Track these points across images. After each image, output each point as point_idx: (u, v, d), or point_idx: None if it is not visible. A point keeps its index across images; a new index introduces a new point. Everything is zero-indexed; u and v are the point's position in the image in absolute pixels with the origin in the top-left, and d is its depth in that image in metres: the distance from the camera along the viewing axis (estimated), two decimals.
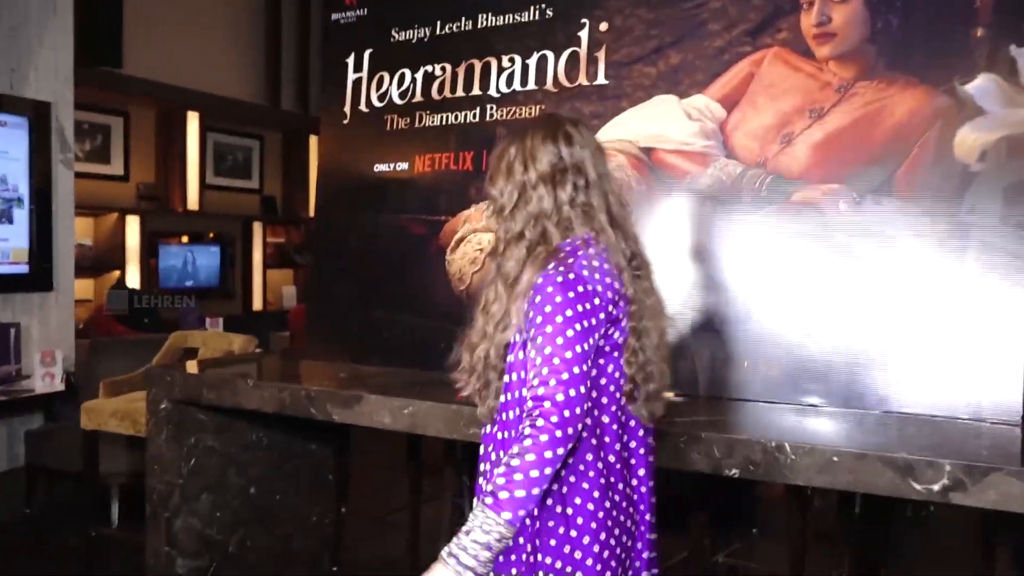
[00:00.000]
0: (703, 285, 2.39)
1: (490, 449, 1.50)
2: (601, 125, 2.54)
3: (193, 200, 7.47)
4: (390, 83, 2.95)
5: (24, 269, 4.65)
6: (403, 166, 2.90)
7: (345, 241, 2.99)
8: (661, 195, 2.44)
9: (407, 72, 2.92)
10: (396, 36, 2.97)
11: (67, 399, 4.28)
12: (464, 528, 1.30)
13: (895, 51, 2.21)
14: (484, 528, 1.28)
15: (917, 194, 2.16)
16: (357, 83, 3.03)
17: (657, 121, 2.45)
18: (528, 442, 1.29)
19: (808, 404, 2.24)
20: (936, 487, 1.67)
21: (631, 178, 2.47)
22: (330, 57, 3.16)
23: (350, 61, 3.05)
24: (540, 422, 1.29)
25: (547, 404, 1.30)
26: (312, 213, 8.68)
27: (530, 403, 1.33)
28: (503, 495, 1.28)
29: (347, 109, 3.04)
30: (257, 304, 8.22)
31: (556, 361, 1.32)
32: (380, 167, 2.95)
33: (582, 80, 2.59)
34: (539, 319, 1.36)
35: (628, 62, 2.52)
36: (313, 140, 8.75)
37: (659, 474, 1.59)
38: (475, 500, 1.44)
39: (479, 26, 2.80)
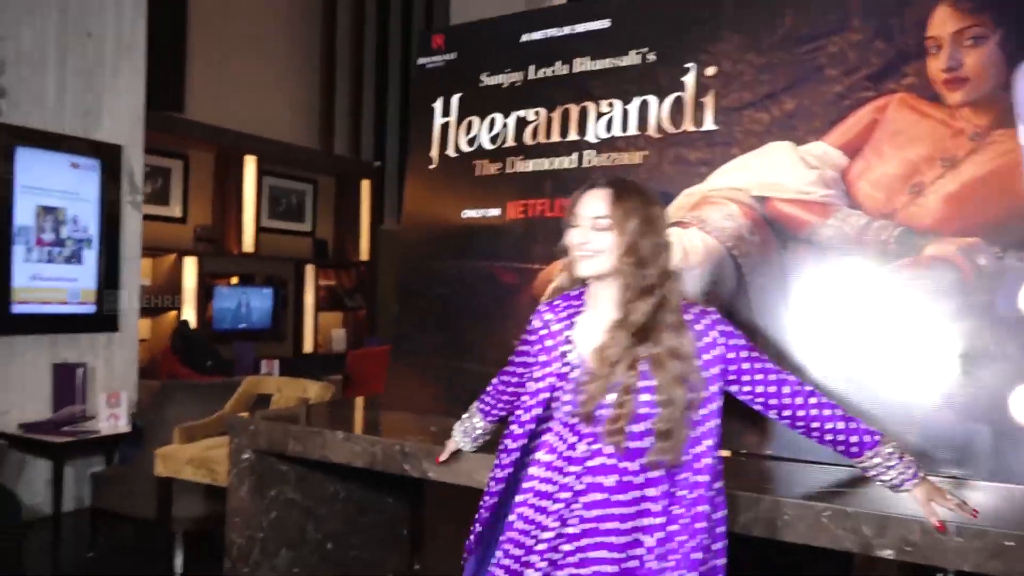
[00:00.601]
0: (824, 344, 2.24)
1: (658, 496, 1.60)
2: (709, 172, 2.43)
3: (248, 242, 7.50)
4: (480, 128, 2.89)
5: (92, 309, 4.63)
6: (494, 212, 2.81)
7: (431, 288, 2.90)
8: (777, 247, 2.31)
9: (498, 117, 2.85)
10: (486, 80, 2.91)
11: (132, 442, 4.22)
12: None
13: None
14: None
15: None
16: (445, 128, 2.97)
17: (772, 169, 2.34)
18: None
19: (948, 476, 2.07)
20: None
21: (744, 227, 2.35)
22: (416, 102, 3.10)
23: (437, 106, 3.00)
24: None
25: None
26: (364, 256, 8.77)
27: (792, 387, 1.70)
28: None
29: (434, 154, 2.98)
30: (308, 346, 8.19)
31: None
32: (469, 213, 2.86)
33: (687, 126, 2.49)
34: (758, 364, 1.69)
35: (738, 107, 2.42)
36: (365, 184, 8.80)
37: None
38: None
39: (575, 71, 2.72)
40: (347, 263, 8.73)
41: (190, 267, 6.93)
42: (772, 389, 1.68)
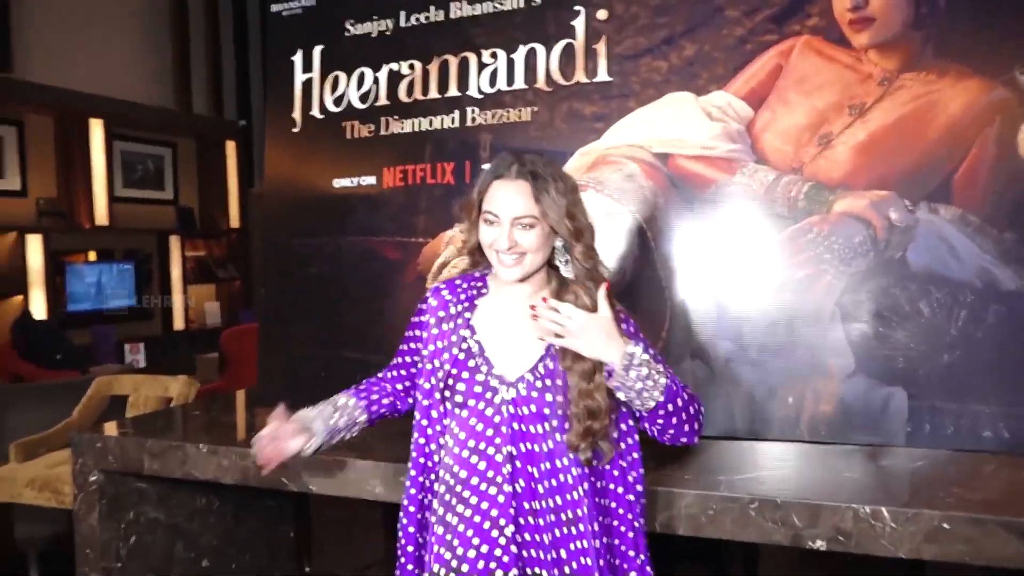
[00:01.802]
0: (735, 310, 2.09)
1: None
2: (606, 128, 2.21)
3: (102, 215, 6.81)
4: (348, 84, 2.54)
5: None
6: (369, 180, 2.50)
7: (302, 268, 2.57)
8: (682, 208, 2.12)
9: (368, 71, 2.52)
10: (352, 29, 2.56)
11: None
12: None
13: (944, 38, 1.95)
14: (657, 371, 1.40)
15: (978, 200, 1.91)
16: (307, 85, 2.61)
17: (673, 123, 2.14)
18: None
19: (863, 444, 1.97)
20: None
21: (646, 188, 2.14)
22: (273, 55, 2.72)
23: (297, 59, 2.63)
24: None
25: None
26: (235, 223, 8.18)
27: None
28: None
29: (297, 115, 2.62)
30: (178, 323, 7.60)
31: None
32: (341, 181, 2.54)
33: (580, 77, 2.25)
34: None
35: (634, 55, 2.19)
36: (231, 146, 8.17)
37: None
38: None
39: (452, 16, 2.42)
40: (216, 231, 8.12)
41: (35, 245, 6.21)
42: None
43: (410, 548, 1.56)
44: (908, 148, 1.97)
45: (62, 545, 3.21)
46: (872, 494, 1.65)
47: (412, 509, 1.56)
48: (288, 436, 1.58)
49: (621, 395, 1.41)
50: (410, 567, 1.56)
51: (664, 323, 2.11)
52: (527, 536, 1.46)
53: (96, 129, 6.78)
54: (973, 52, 1.93)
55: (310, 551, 3.08)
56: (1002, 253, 1.89)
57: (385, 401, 1.64)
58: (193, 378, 3.13)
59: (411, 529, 1.56)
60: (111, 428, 2.40)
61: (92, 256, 6.82)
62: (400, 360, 1.64)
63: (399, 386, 1.64)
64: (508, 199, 1.43)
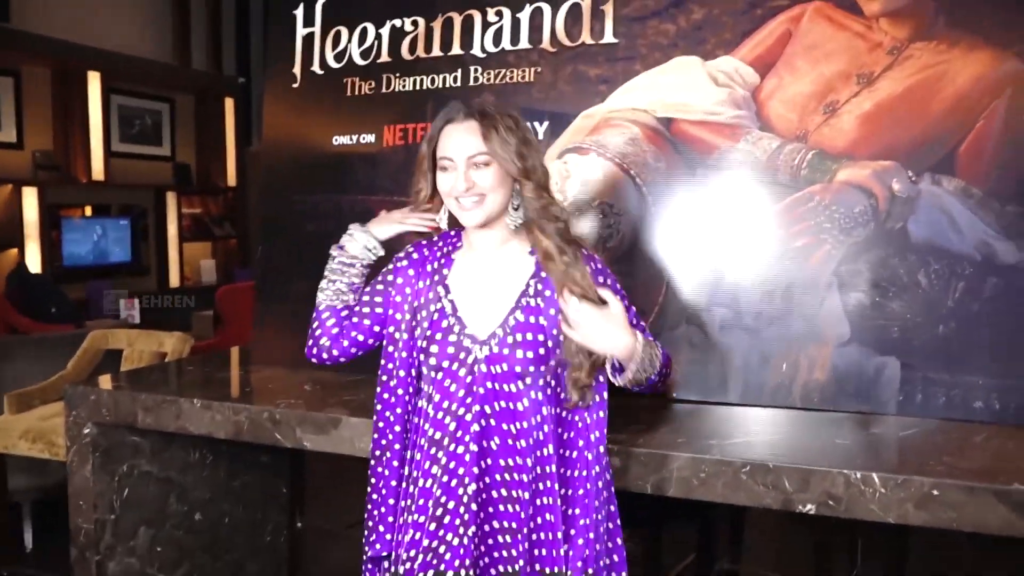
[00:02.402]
0: (732, 277, 2.08)
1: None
2: (610, 91, 2.18)
3: (98, 169, 6.77)
4: (350, 39, 2.51)
5: None
6: (369, 138, 2.47)
7: (300, 228, 2.55)
8: (684, 173, 2.11)
9: (370, 27, 2.48)
10: None
11: None
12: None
13: (956, 7, 1.93)
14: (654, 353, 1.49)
15: (982, 173, 1.90)
16: (308, 39, 2.57)
17: (678, 87, 2.11)
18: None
19: (856, 411, 1.98)
20: None
21: (648, 153, 2.13)
22: (274, 9, 2.68)
23: (299, 13, 2.59)
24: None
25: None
26: (232, 181, 8.13)
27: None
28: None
29: (297, 70, 2.58)
30: (174, 280, 7.60)
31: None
32: (340, 139, 2.51)
33: (586, 38, 2.21)
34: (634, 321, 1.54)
35: (641, 17, 2.16)
36: (228, 102, 8.10)
37: None
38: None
39: None
40: (213, 188, 8.09)
41: (30, 198, 6.19)
42: None
43: (384, 492, 1.59)
44: (915, 119, 1.95)
45: (54, 496, 3.25)
46: (863, 460, 1.66)
47: (392, 460, 1.58)
48: None
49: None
50: (383, 511, 1.59)
51: (661, 288, 2.11)
52: (494, 493, 1.47)
53: (94, 82, 6.71)
54: (986, 22, 1.90)
55: (303, 506, 3.10)
56: (1003, 227, 1.88)
57: (332, 333, 1.63)
58: (188, 334, 3.13)
59: (387, 472, 1.59)
60: (105, 381, 2.41)
61: (88, 211, 6.79)
62: (368, 310, 1.60)
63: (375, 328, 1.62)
64: (460, 140, 1.43)
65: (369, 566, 1.63)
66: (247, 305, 5.04)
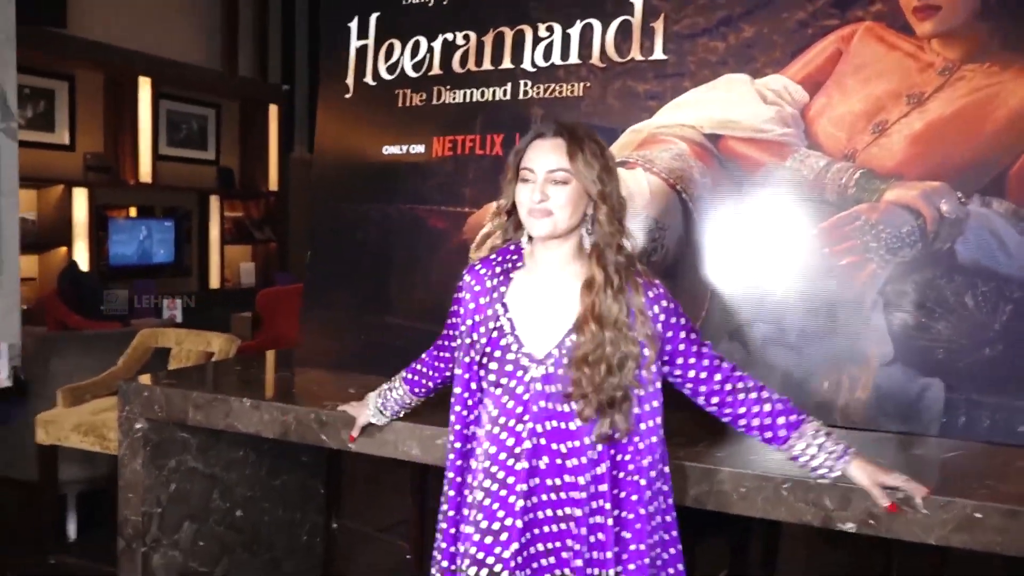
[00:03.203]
0: (777, 294, 2.09)
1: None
2: (659, 107, 2.21)
3: (145, 172, 6.93)
4: (402, 52, 2.57)
5: None
6: (418, 148, 2.52)
7: (349, 235, 2.61)
8: (731, 189, 2.13)
9: (423, 40, 2.54)
10: None
11: (15, 398, 3.80)
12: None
13: (1010, 29, 1.93)
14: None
15: None
16: (362, 52, 2.64)
17: (726, 104, 2.13)
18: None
19: (896, 432, 1.98)
20: None
21: (694, 168, 2.15)
22: (328, 21, 2.75)
23: (353, 26, 2.66)
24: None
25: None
26: (274, 186, 8.27)
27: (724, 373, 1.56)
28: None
29: (350, 81, 2.65)
30: (214, 282, 7.73)
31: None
32: (390, 149, 2.57)
33: (635, 54, 2.25)
34: (694, 348, 1.56)
35: (691, 34, 2.19)
36: (272, 109, 8.24)
37: None
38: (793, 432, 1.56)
39: None
40: (255, 193, 8.22)
41: (80, 199, 6.35)
42: (704, 375, 1.56)
43: (451, 513, 1.61)
44: (965, 140, 1.95)
45: (98, 488, 3.33)
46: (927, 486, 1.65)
47: (453, 476, 1.61)
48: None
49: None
50: (446, 527, 1.61)
51: (704, 303, 2.13)
52: (540, 514, 1.50)
53: (144, 87, 6.88)
54: None
55: (340, 507, 3.15)
56: None
57: (430, 384, 1.81)
58: (234, 336, 3.20)
59: (451, 493, 1.61)
60: (156, 378, 2.48)
61: (133, 212, 6.95)
62: (443, 343, 1.73)
63: (440, 364, 1.75)
64: (544, 154, 1.46)
65: None
66: (287, 308, 5.14)
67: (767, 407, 1.55)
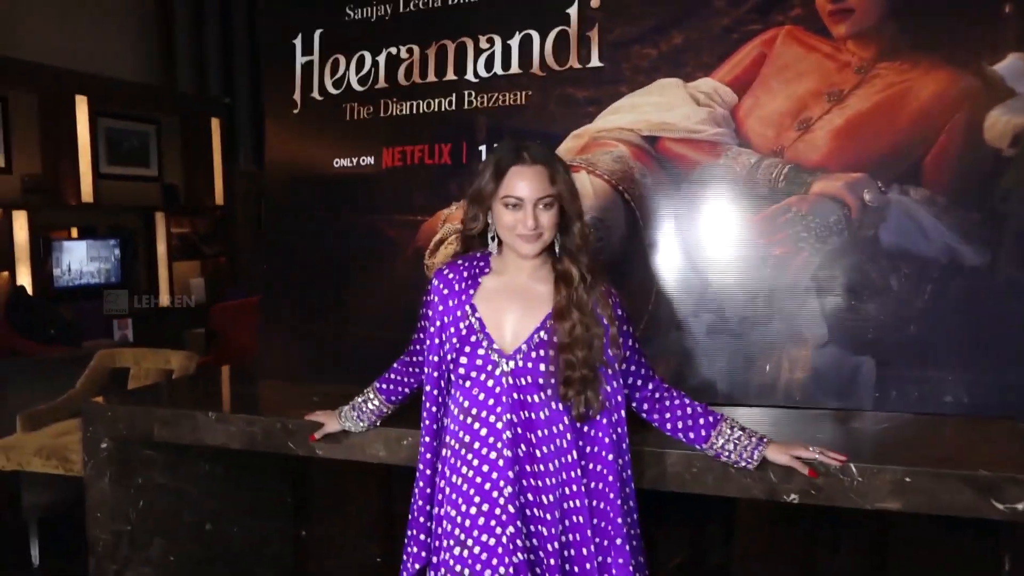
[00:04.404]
0: (718, 284, 2.21)
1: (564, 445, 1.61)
2: (598, 112, 2.31)
3: (87, 191, 6.81)
4: (347, 67, 2.63)
5: None
6: (369, 160, 2.59)
7: (303, 245, 2.67)
8: (669, 188, 2.24)
9: (367, 55, 2.60)
10: (351, 14, 2.64)
11: None
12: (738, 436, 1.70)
13: (918, 29, 2.08)
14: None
15: (946, 182, 2.04)
16: (308, 67, 2.69)
17: (661, 107, 2.25)
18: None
19: (834, 408, 2.11)
20: (1021, 506, 1.55)
21: (635, 169, 2.26)
22: (270, 38, 2.79)
23: (297, 43, 2.71)
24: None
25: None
26: (220, 200, 8.19)
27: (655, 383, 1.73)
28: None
29: (297, 97, 2.70)
30: (164, 300, 7.64)
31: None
32: (341, 162, 2.63)
33: (573, 63, 2.35)
34: (636, 356, 1.69)
35: (625, 43, 2.30)
36: (215, 123, 8.17)
37: None
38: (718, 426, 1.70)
39: (450, 3, 2.51)
40: (201, 208, 8.13)
41: (20, 221, 6.22)
42: (639, 383, 1.71)
43: (420, 502, 1.71)
44: (882, 133, 2.10)
45: (58, 513, 3.31)
46: (843, 454, 1.78)
47: (424, 469, 1.70)
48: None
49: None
50: (421, 519, 1.70)
51: (651, 297, 2.24)
52: (530, 496, 1.60)
53: (81, 106, 6.76)
54: (944, 43, 2.05)
55: (308, 514, 3.19)
56: (966, 232, 2.02)
57: (406, 390, 1.89)
58: (192, 353, 3.22)
59: (422, 485, 1.70)
60: (119, 398, 2.50)
61: (76, 233, 6.84)
62: (414, 347, 1.80)
63: (415, 369, 1.83)
64: (530, 183, 1.56)
65: None
66: (242, 322, 5.14)
67: (689, 410, 1.71)
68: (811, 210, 2.13)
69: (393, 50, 2.56)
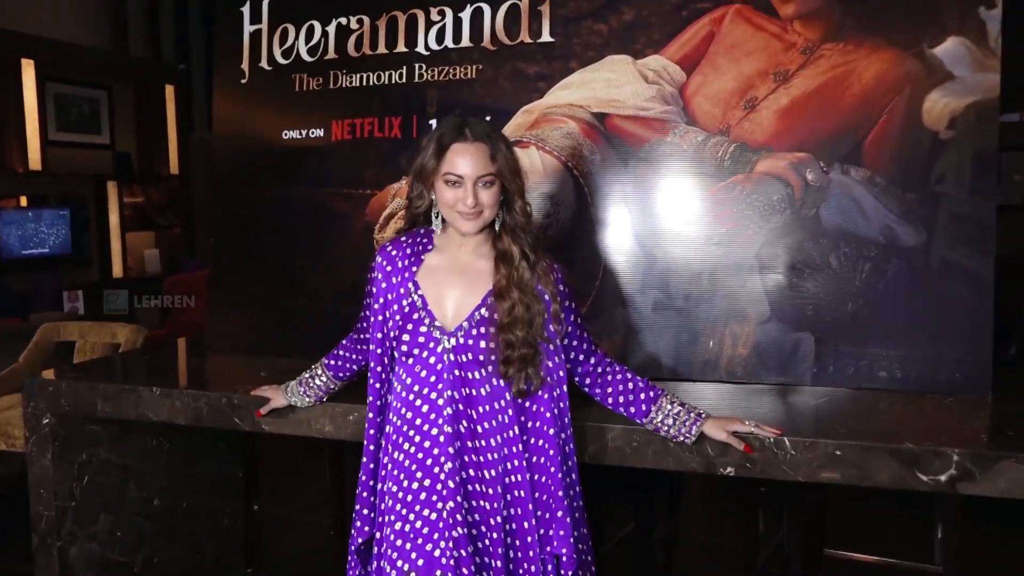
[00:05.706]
0: (664, 261, 2.24)
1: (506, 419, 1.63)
2: (548, 88, 2.31)
3: (35, 159, 6.63)
4: (297, 37, 2.59)
5: None
6: (318, 133, 2.56)
7: (252, 219, 2.64)
8: (618, 165, 2.25)
9: (317, 24, 2.56)
10: None
11: None
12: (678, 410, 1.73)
13: (862, 11, 2.10)
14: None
15: (885, 163, 2.08)
16: (256, 36, 2.64)
17: (611, 84, 2.25)
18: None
19: (774, 383, 2.16)
20: (943, 478, 1.61)
21: (584, 146, 2.27)
22: (220, 5, 2.73)
23: (245, 10, 2.65)
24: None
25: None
26: (175, 169, 8.04)
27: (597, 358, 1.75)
28: None
29: (245, 66, 2.65)
30: (117, 271, 7.50)
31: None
32: (290, 134, 2.59)
33: (524, 37, 2.34)
34: (579, 331, 1.71)
35: (576, 18, 2.29)
36: (169, 90, 7.99)
37: None
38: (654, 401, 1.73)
39: None
40: (155, 177, 7.97)
41: None
42: (582, 357, 1.73)
43: (364, 477, 1.73)
44: (826, 114, 2.13)
45: (6, 488, 3.27)
46: (778, 427, 1.83)
47: (368, 445, 1.72)
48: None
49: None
50: (364, 494, 1.72)
51: (598, 273, 2.26)
52: (472, 472, 1.62)
53: (28, 70, 6.56)
54: (887, 25, 2.08)
55: (259, 490, 3.19)
56: (904, 212, 2.07)
57: (353, 367, 1.89)
58: (140, 327, 3.17)
59: (366, 460, 1.72)
60: (62, 372, 2.46)
61: (24, 201, 6.66)
62: (362, 325, 1.81)
63: (363, 347, 1.83)
64: (471, 160, 1.56)
65: (355, 558, 1.77)
66: (197, 294, 5.06)
67: (631, 385, 1.74)
68: (756, 188, 2.17)
69: (343, 20, 2.53)
